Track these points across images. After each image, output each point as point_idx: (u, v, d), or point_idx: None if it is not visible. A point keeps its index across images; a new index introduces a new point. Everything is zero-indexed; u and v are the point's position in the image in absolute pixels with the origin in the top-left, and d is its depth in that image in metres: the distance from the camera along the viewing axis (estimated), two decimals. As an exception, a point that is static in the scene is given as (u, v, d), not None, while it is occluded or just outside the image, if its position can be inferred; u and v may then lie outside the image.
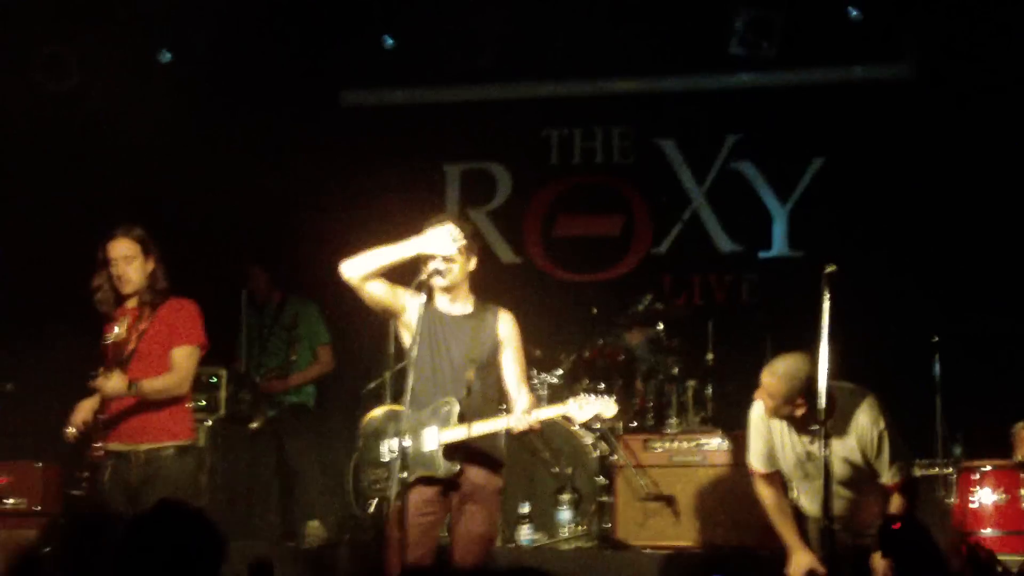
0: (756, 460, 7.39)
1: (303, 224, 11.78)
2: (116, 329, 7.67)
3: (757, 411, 7.30)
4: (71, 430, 7.57)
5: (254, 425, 10.31)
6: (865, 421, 7.10)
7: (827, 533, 6.61)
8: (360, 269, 7.06)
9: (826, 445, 6.55)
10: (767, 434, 7.26)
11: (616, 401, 9.27)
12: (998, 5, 10.72)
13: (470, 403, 6.97)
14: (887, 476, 7.09)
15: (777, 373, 7.00)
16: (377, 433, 7.13)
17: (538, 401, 7.51)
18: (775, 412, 7.05)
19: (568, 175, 12.35)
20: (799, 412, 6.96)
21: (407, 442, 6.84)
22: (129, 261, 7.66)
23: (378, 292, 7.12)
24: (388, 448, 6.96)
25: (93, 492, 7.60)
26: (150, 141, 11.28)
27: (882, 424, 7.09)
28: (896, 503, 7.10)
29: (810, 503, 7.21)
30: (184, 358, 7.71)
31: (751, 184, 11.85)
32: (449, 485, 6.99)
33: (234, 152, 11.46)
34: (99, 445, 7.54)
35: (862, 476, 7.12)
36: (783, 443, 7.20)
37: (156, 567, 4.10)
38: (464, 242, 7.06)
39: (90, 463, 7.58)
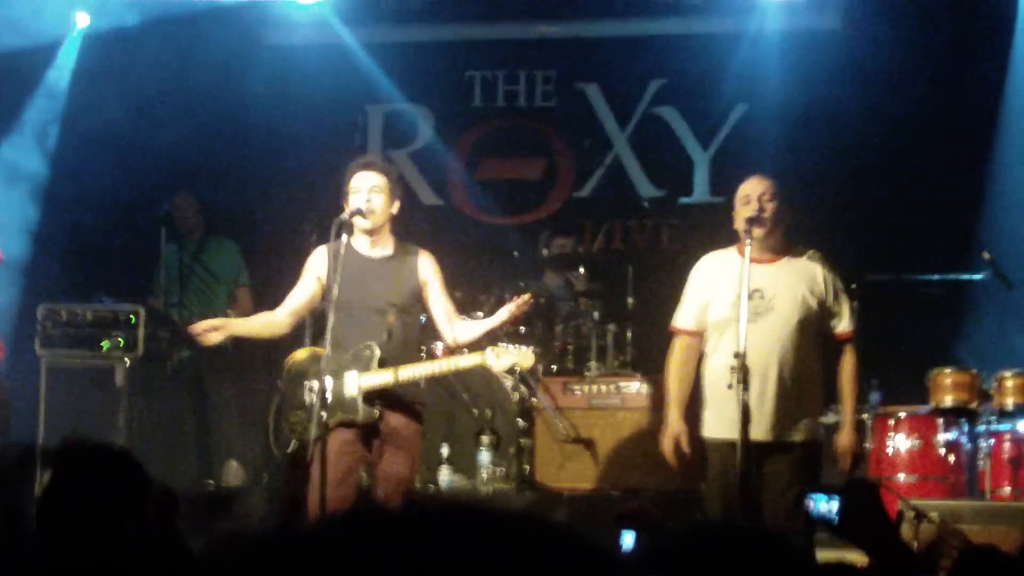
0: (685, 318, 7.28)
1: (224, 163, 11.71)
2: None
3: (704, 261, 7.32)
4: None
5: (181, 356, 10.25)
6: (821, 262, 7.19)
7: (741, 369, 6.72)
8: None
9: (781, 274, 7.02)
10: (709, 282, 7.17)
11: (535, 344, 9.37)
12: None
13: (390, 347, 7.02)
14: (842, 321, 7.16)
15: (755, 177, 7.19)
16: (299, 375, 7.15)
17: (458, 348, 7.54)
18: (759, 214, 7.00)
19: (491, 118, 12.31)
20: (775, 216, 7.05)
21: (328, 384, 6.87)
22: None
23: (304, 302, 7.20)
24: (309, 390, 6.96)
25: None
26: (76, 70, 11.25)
27: (835, 271, 7.20)
28: (849, 359, 7.16)
29: (755, 343, 6.85)
30: None
31: (673, 130, 11.86)
32: (370, 429, 7.02)
33: (155, 87, 11.39)
34: None
35: (809, 324, 7.06)
36: (729, 284, 7.02)
37: (86, 507, 4.04)
38: None
39: None
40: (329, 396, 6.90)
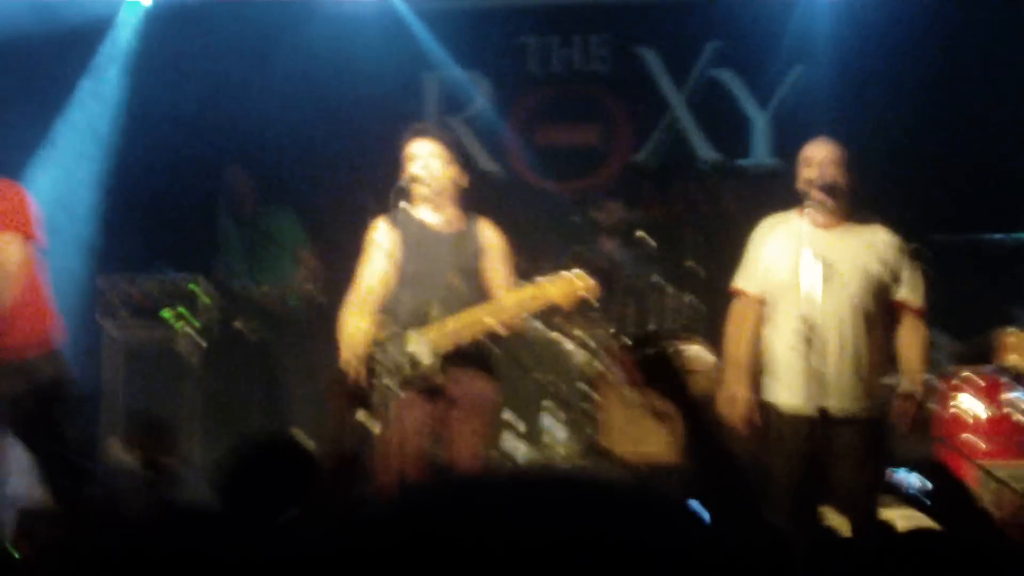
0: (746, 280, 7.07)
1: (280, 132, 11.72)
2: None
3: (766, 223, 7.10)
4: None
5: (246, 325, 10.30)
6: (887, 231, 6.94)
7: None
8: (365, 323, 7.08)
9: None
10: (771, 245, 6.95)
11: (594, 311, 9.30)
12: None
13: (452, 305, 6.96)
14: (911, 293, 6.86)
15: (820, 140, 6.96)
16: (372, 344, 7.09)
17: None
18: (824, 179, 6.79)
19: (545, 84, 12.27)
20: (839, 182, 6.81)
21: (394, 349, 6.86)
22: None
23: (379, 281, 7.12)
24: (377, 358, 6.95)
25: None
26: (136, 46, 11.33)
27: (901, 240, 6.94)
28: (918, 330, 6.88)
29: (823, 317, 6.61)
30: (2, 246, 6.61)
31: (731, 92, 11.80)
32: (440, 393, 6.98)
33: (211, 59, 11.41)
34: None
35: (874, 293, 6.77)
36: (791, 249, 6.79)
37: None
38: None
39: None
40: (397, 359, 6.88)
